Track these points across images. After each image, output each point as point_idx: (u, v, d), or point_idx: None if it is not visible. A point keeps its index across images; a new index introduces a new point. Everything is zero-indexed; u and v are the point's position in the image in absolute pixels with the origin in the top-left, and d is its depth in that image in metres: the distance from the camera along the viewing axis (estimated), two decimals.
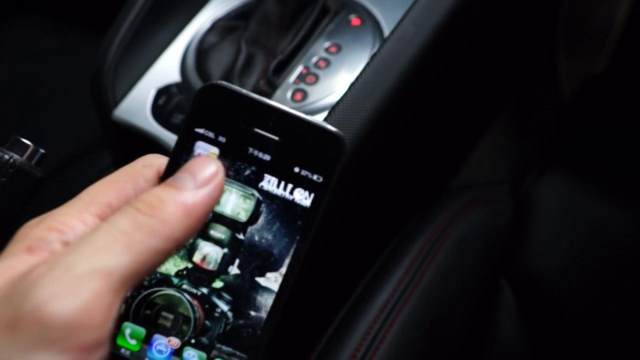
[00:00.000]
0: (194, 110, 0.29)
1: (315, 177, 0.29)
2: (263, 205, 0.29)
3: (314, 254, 0.49)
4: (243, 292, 0.30)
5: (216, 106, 0.29)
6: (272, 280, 0.30)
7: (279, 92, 0.51)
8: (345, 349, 0.49)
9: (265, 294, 0.30)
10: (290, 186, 0.29)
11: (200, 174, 0.27)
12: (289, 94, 0.51)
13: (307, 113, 0.49)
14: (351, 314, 0.52)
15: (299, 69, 0.53)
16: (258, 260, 0.30)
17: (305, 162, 0.29)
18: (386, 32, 0.54)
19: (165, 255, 0.25)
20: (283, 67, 0.53)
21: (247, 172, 0.29)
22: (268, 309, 0.30)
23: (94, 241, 0.24)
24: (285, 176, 0.29)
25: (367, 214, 0.59)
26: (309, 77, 0.52)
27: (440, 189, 0.79)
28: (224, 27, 0.57)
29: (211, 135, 0.29)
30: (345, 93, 0.47)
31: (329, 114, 0.46)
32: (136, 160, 0.29)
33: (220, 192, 0.27)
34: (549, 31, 0.82)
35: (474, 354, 0.58)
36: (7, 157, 0.42)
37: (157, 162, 0.29)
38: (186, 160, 0.29)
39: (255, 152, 0.29)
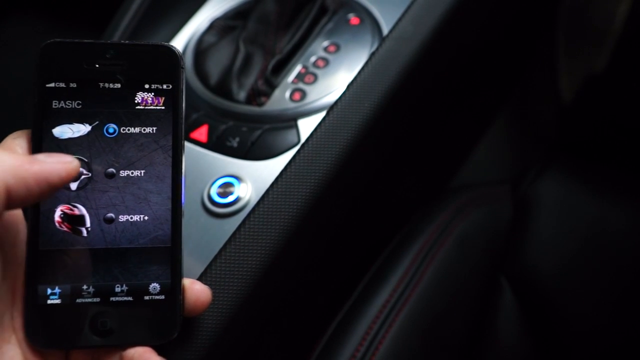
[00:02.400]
0: (39, 70, 0.33)
1: (164, 86, 0.34)
2: (128, 124, 0.33)
3: (314, 255, 0.49)
4: (137, 202, 0.33)
5: (58, 60, 0.33)
6: (163, 180, 0.33)
7: (277, 92, 0.51)
8: (344, 350, 0.49)
9: (160, 196, 0.33)
10: (146, 100, 0.34)
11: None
12: (287, 94, 0.51)
13: (306, 113, 0.50)
14: (351, 314, 0.52)
15: (298, 68, 0.52)
16: (143, 170, 0.33)
17: (151, 77, 0.34)
18: (385, 31, 0.54)
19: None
20: (282, 67, 0.53)
21: (105, 103, 0.33)
22: (168, 207, 0.33)
23: None
24: (139, 95, 0.34)
25: (366, 213, 0.58)
26: (308, 76, 0.52)
27: (440, 188, 0.79)
28: (222, 26, 0.57)
29: (62, 85, 0.33)
30: (344, 92, 0.46)
31: (328, 113, 0.46)
32: (3, 140, 0.32)
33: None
34: (549, 29, 0.82)
35: (474, 354, 0.58)
36: None
37: (25, 132, 0.33)
38: (46, 117, 0.32)
39: (106, 85, 0.33)
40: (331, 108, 0.46)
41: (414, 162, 0.65)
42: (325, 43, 0.54)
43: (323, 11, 0.56)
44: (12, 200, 0.28)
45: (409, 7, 0.50)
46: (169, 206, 0.33)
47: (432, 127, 0.65)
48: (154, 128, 0.34)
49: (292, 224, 0.41)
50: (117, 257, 0.33)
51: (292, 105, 0.50)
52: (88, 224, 0.33)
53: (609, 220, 0.61)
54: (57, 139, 0.32)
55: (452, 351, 0.56)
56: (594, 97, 0.78)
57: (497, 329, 0.59)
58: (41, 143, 0.32)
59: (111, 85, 0.33)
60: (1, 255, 0.30)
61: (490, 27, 0.65)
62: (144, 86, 0.34)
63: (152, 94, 0.34)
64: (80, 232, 0.32)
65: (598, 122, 0.79)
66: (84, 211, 0.33)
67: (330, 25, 0.55)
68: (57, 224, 0.32)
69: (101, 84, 0.33)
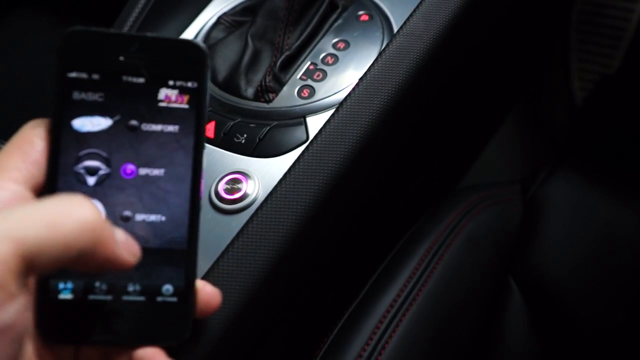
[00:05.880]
0: (61, 59, 0.32)
1: (189, 84, 0.33)
2: (151, 120, 0.32)
3: (322, 253, 0.48)
4: (156, 202, 0.32)
5: (81, 50, 0.32)
6: (182, 181, 0.33)
7: (285, 89, 0.51)
8: (351, 348, 0.49)
9: (179, 197, 0.32)
10: (170, 97, 0.33)
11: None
12: (296, 91, 0.50)
13: (314, 109, 0.49)
14: (358, 313, 0.52)
15: (307, 65, 0.52)
16: (163, 169, 0.32)
17: (176, 74, 0.33)
18: (395, 28, 0.53)
19: (76, 251, 0.26)
20: (290, 63, 0.52)
21: (127, 97, 0.32)
22: (186, 209, 0.32)
23: (16, 211, 0.25)
24: (162, 91, 0.32)
25: (375, 212, 0.58)
26: (317, 73, 0.51)
27: (449, 188, 0.78)
28: (230, 22, 0.56)
29: (84, 76, 0.32)
30: (353, 89, 0.46)
31: (337, 110, 0.45)
32: (20, 128, 0.31)
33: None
34: (561, 30, 0.81)
35: (481, 355, 0.57)
36: None
37: (43, 121, 0.31)
38: (66, 108, 0.31)
39: (130, 79, 0.32)
40: (340, 105, 0.45)
41: (423, 161, 0.65)
42: (335, 40, 0.53)
43: (332, 7, 0.55)
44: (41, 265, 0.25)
45: (420, 4, 0.50)
46: (187, 208, 0.32)
47: (443, 126, 0.64)
48: (177, 127, 0.33)
49: (300, 222, 0.41)
50: None
51: (300, 102, 0.50)
52: None
53: (619, 222, 0.61)
54: (76, 131, 0.31)
55: (459, 352, 0.56)
56: (607, 98, 0.77)
57: (505, 331, 0.58)
58: (60, 135, 0.31)
59: (135, 80, 0.32)
60: None
61: (503, 25, 0.64)
62: (168, 82, 0.33)
63: (177, 91, 0.33)
64: None
65: (610, 124, 0.78)
66: (100, 207, 0.32)
67: (339, 22, 0.54)
68: None
69: (124, 78, 0.32)
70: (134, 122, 0.32)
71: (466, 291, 0.57)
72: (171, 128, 0.33)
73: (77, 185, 0.31)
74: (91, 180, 0.32)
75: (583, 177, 0.65)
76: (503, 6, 0.62)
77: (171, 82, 0.33)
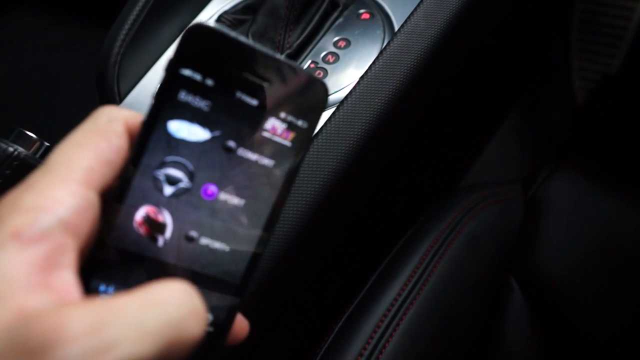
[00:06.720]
0: (180, 51, 0.28)
1: (300, 122, 0.31)
2: (249, 147, 0.30)
3: (323, 252, 0.48)
4: (233, 229, 0.30)
5: (204, 49, 0.28)
6: (259, 218, 0.31)
7: None
8: (351, 348, 0.49)
9: (250, 232, 0.31)
10: (276, 129, 0.30)
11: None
12: None
13: None
14: (358, 312, 0.52)
15: (307, 63, 0.52)
16: (244, 200, 0.30)
17: (291, 108, 0.30)
18: (396, 26, 0.53)
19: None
20: None
21: (234, 115, 0.29)
22: (253, 246, 0.31)
23: (142, 320, 0.22)
24: (271, 121, 0.30)
25: (375, 211, 0.58)
26: (317, 72, 0.51)
27: (450, 187, 0.78)
28: (230, 20, 0.56)
29: (198, 77, 0.28)
30: (354, 87, 0.46)
31: (338, 109, 0.45)
32: (95, 115, 0.27)
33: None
34: (563, 29, 0.81)
35: (481, 355, 0.57)
36: (11, 149, 0.42)
37: (122, 114, 0.28)
38: (168, 106, 0.28)
39: (243, 97, 0.29)
40: (341, 103, 0.45)
41: (424, 159, 0.64)
42: (335, 38, 0.53)
43: (333, 6, 0.55)
44: None
45: (421, 2, 0.50)
46: (254, 245, 0.31)
47: (443, 124, 0.64)
48: (272, 161, 0.30)
49: (301, 220, 0.41)
50: (182, 277, 0.29)
51: None
52: (168, 235, 0.29)
53: (621, 221, 0.61)
54: (169, 134, 0.28)
55: (460, 351, 0.56)
56: (607, 97, 0.77)
57: (505, 330, 0.58)
58: (151, 132, 0.28)
59: (248, 100, 0.29)
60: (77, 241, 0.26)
61: (504, 24, 0.64)
62: (279, 114, 0.30)
63: (285, 125, 0.30)
64: (157, 240, 0.29)
65: (611, 123, 0.78)
66: (168, 220, 0.29)
67: (340, 20, 0.54)
68: (135, 224, 0.29)
69: (238, 94, 0.29)
70: (231, 144, 0.30)
71: (467, 290, 0.57)
72: (266, 161, 0.30)
73: (152, 191, 0.29)
74: (168, 190, 0.29)
75: (584, 176, 0.65)
76: (504, 5, 0.61)
77: (283, 115, 0.30)
